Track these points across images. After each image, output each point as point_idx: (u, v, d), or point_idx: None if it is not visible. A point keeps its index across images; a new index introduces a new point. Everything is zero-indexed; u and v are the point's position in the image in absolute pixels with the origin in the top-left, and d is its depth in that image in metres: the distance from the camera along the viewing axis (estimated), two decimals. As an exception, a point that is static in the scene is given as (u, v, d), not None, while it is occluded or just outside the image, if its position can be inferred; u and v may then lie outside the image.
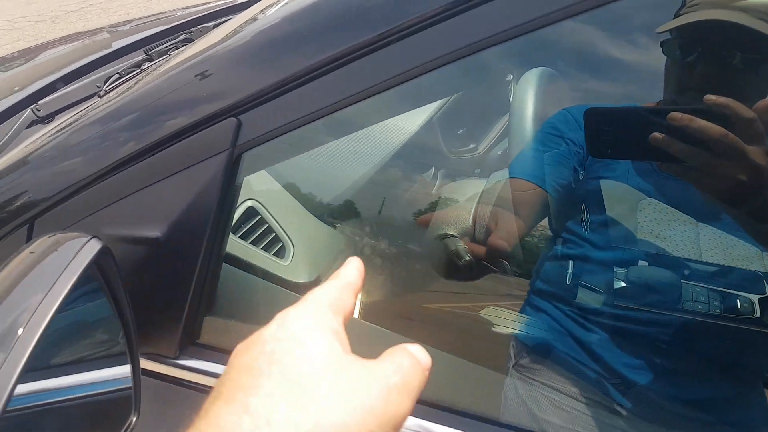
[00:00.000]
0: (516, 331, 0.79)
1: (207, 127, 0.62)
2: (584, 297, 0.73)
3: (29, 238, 0.71)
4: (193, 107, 0.63)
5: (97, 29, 1.91)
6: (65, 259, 0.51)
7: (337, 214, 0.91)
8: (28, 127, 1.11)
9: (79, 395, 0.57)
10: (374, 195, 0.94)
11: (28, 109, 1.13)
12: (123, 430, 0.59)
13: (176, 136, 0.63)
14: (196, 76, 0.65)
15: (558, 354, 0.77)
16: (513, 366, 0.78)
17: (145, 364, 0.71)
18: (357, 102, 0.59)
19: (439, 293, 0.82)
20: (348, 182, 0.94)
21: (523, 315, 0.78)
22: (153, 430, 0.70)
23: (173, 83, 0.68)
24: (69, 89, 1.23)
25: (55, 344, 0.56)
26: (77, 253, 0.52)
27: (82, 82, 1.27)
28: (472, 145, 1.19)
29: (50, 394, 0.54)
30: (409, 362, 0.29)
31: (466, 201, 0.91)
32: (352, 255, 0.81)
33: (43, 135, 0.85)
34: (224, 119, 0.61)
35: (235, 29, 0.76)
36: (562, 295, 0.76)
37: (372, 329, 0.74)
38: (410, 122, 0.99)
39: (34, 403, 0.53)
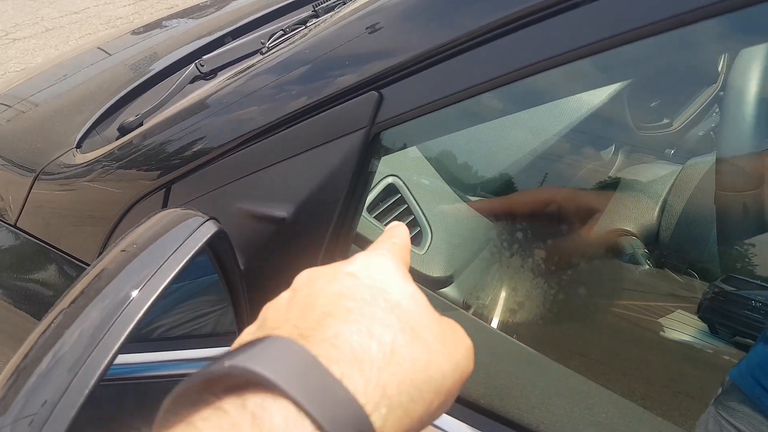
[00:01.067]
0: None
1: (345, 102, 0.53)
2: None
3: (166, 203, 0.70)
4: (335, 78, 0.55)
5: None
6: (180, 238, 0.47)
7: (489, 195, 0.80)
8: (192, 82, 1.13)
9: (179, 371, 0.54)
10: (537, 175, 0.81)
11: (193, 64, 1.14)
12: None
13: (310, 110, 0.55)
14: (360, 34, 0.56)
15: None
16: (715, 400, 0.63)
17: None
18: (526, 77, 0.47)
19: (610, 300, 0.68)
20: (508, 160, 0.82)
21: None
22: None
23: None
24: (232, 45, 1.23)
25: (165, 319, 0.53)
26: (192, 233, 0.47)
27: (246, 39, 1.27)
28: (665, 120, 0.99)
29: (153, 367, 0.52)
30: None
31: (653, 190, 0.75)
32: (497, 253, 0.69)
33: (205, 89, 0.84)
34: (364, 93, 0.53)
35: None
36: None
37: (514, 345, 0.63)
38: (592, 93, 0.83)
39: (141, 374, 0.51)
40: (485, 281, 0.74)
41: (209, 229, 0.48)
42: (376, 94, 0.52)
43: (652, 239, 0.72)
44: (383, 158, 0.65)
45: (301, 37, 0.68)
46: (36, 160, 0.94)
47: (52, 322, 0.44)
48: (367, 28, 0.54)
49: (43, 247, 0.87)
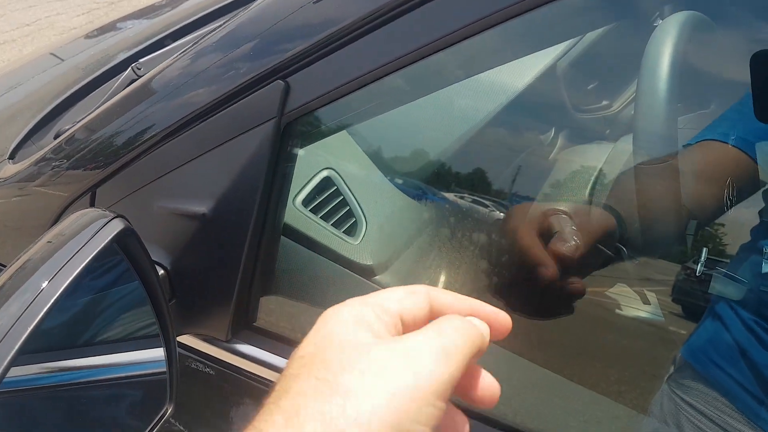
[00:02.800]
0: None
1: (251, 93, 0.53)
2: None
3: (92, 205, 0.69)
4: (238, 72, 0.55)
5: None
6: (84, 238, 0.47)
7: (423, 183, 0.81)
8: (128, 86, 1.12)
9: (106, 377, 0.54)
10: (473, 160, 0.81)
11: (129, 68, 1.13)
12: (156, 419, 0.55)
13: (220, 104, 0.55)
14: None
15: (720, 375, 0.60)
16: (668, 378, 0.63)
17: (200, 345, 0.67)
18: (449, 46, 0.47)
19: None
20: (442, 145, 0.82)
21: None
22: (199, 417, 0.67)
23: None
24: (171, 47, 1.22)
25: (81, 324, 0.53)
26: (97, 233, 0.47)
27: (185, 39, 1.25)
28: (604, 102, 1.01)
29: (67, 375, 0.51)
30: (451, 325, 0.28)
31: (586, 169, 0.76)
32: (434, 234, 0.69)
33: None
34: (269, 83, 0.52)
35: None
36: (751, 300, 0.58)
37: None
38: (524, 71, 0.84)
39: (35, 385, 0.51)
40: (421, 268, 0.75)
41: (116, 226, 0.47)
42: (282, 83, 0.52)
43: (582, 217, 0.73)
44: (319, 151, 0.65)
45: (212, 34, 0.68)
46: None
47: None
48: (266, 21, 0.54)
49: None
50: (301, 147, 0.58)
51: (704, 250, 0.58)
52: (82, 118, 0.95)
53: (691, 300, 0.63)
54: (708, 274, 0.58)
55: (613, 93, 1.03)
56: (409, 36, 0.48)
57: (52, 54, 1.58)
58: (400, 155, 0.86)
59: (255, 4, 0.62)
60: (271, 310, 0.67)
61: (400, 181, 0.81)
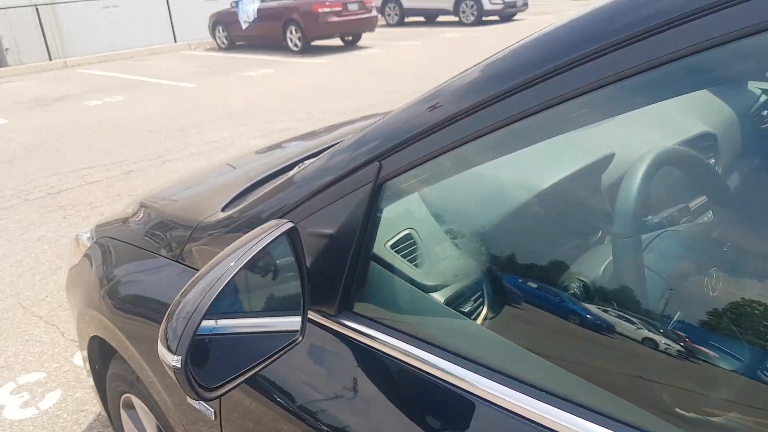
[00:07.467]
0: None
1: (359, 170, 1.02)
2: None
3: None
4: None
5: (372, 115, 2.55)
6: (265, 231, 0.95)
7: (476, 241, 1.21)
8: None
9: (263, 330, 0.99)
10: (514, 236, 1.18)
11: (297, 167, 1.70)
12: (289, 342, 0.99)
13: (346, 174, 1.04)
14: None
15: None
16: None
17: (314, 316, 1.11)
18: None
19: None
20: (496, 211, 1.21)
21: None
22: (311, 366, 1.09)
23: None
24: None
25: (253, 291, 0.99)
26: (275, 228, 0.95)
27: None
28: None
29: (238, 327, 0.96)
30: None
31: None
32: (477, 279, 1.10)
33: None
34: (371, 163, 1.00)
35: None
36: None
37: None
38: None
39: (227, 333, 0.96)
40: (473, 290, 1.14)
41: (286, 225, 0.95)
42: (378, 164, 0.99)
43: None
44: (402, 213, 1.09)
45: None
46: (193, 218, 1.49)
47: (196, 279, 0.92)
48: (384, 128, 1.04)
49: (194, 271, 1.38)
50: (391, 205, 1.04)
51: None
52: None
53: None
54: None
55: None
56: (462, 130, 0.92)
57: (228, 164, 2.20)
58: (458, 218, 1.27)
59: (379, 117, 1.12)
60: (362, 302, 1.10)
61: (454, 238, 1.23)
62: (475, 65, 0.94)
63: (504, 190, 1.17)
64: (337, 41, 15.05)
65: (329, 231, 1.06)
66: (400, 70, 10.59)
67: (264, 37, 14.50)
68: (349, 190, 1.03)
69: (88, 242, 1.96)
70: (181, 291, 0.91)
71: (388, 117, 1.05)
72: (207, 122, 7.73)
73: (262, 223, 1.18)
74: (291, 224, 0.96)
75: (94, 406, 2.68)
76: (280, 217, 1.17)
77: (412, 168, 0.97)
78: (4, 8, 14.80)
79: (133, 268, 1.64)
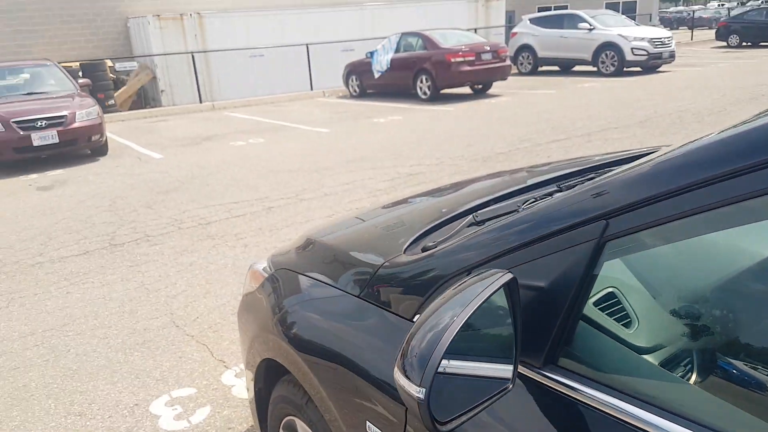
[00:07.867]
0: None
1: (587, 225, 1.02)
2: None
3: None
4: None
5: (518, 169, 2.57)
6: (485, 282, 0.98)
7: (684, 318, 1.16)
8: (468, 226, 1.72)
9: (478, 374, 1.01)
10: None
11: (470, 216, 1.74)
12: (501, 390, 0.99)
13: (567, 229, 1.05)
14: (592, 195, 1.07)
15: None
16: None
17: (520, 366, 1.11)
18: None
19: None
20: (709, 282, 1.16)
21: None
22: (514, 416, 1.09)
23: (569, 201, 1.11)
24: (496, 206, 1.81)
25: (474, 338, 1.02)
26: (497, 278, 0.98)
27: (506, 202, 1.84)
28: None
29: (458, 368, 0.98)
30: None
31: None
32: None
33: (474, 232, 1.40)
34: (597, 221, 1.01)
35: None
36: None
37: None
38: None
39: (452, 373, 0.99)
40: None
41: (506, 276, 0.97)
42: (605, 222, 0.99)
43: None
44: (609, 274, 1.08)
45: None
46: (374, 257, 1.57)
47: (424, 319, 0.96)
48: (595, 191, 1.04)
49: (378, 308, 1.44)
50: (605, 265, 1.04)
51: None
52: (441, 242, 1.55)
53: None
54: None
55: None
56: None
57: (357, 217, 2.27)
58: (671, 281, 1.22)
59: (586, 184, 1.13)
60: (567, 358, 1.09)
61: (667, 301, 1.18)
62: (731, 127, 0.93)
63: (721, 257, 1.13)
64: (466, 89, 15.27)
65: (541, 283, 1.07)
66: (533, 119, 10.48)
67: (394, 85, 15.10)
68: (569, 244, 1.04)
69: (264, 272, 2.11)
70: (410, 331, 0.97)
71: (622, 173, 1.05)
72: (339, 165, 8.12)
73: (466, 269, 1.22)
74: (511, 276, 0.99)
75: (240, 425, 2.82)
76: (485, 263, 1.20)
77: (641, 231, 0.96)
78: (163, 54, 16.69)
79: (313, 298, 1.74)
